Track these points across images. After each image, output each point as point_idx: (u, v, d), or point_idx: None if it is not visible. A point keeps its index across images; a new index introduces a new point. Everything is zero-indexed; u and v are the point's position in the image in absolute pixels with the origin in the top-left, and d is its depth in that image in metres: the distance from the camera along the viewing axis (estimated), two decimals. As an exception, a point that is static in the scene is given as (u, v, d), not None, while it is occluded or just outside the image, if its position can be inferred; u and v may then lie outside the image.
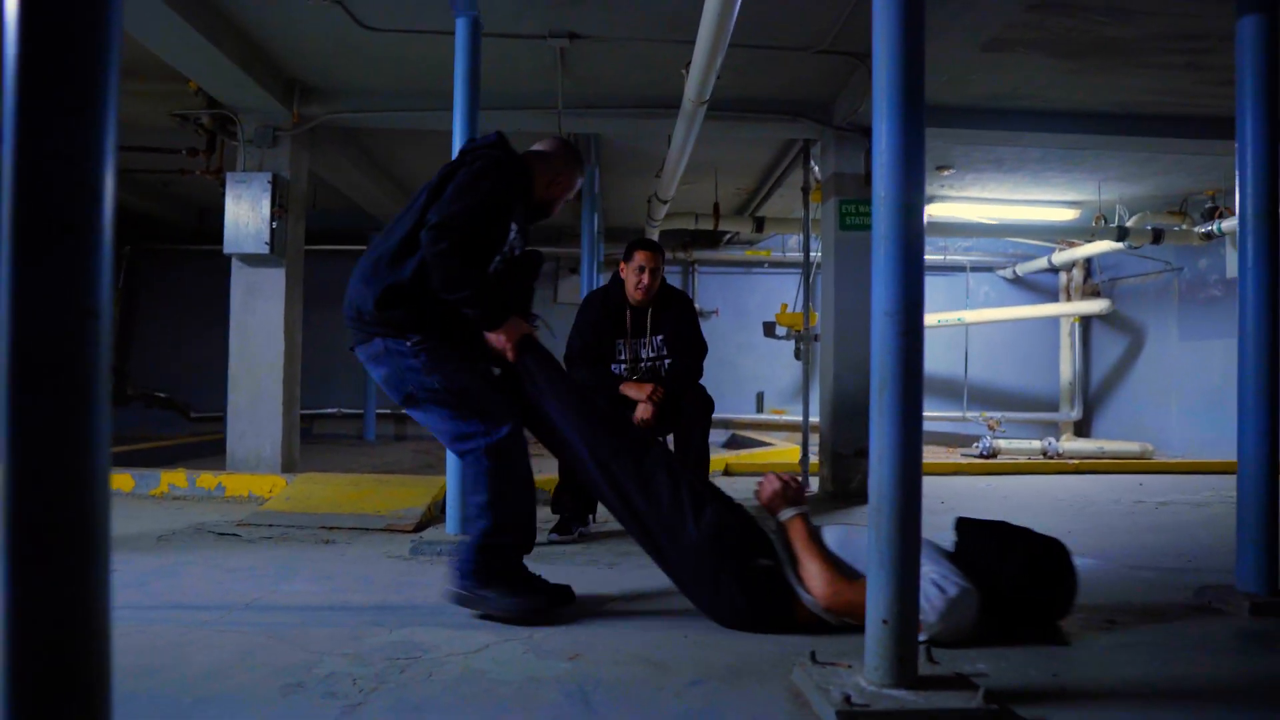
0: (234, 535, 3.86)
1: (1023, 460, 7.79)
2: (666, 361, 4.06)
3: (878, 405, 1.93)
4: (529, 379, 2.65)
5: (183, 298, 10.01)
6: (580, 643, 2.28)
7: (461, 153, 2.83)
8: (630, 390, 3.93)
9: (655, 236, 8.20)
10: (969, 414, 9.89)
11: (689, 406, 3.92)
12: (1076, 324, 10.20)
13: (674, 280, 10.56)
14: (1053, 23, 4.32)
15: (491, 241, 2.64)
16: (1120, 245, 7.96)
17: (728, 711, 1.84)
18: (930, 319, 9.31)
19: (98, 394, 1.00)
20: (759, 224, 8.10)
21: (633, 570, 3.17)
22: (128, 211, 8.90)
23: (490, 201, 2.58)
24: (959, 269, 10.30)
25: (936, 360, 10.08)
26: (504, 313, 2.61)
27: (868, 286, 2.13)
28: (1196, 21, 4.19)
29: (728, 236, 9.80)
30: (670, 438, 4.03)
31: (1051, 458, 8.00)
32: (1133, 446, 8.44)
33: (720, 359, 10.09)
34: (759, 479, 2.63)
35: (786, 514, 2.49)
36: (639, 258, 3.98)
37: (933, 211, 8.33)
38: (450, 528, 3.64)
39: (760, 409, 10.35)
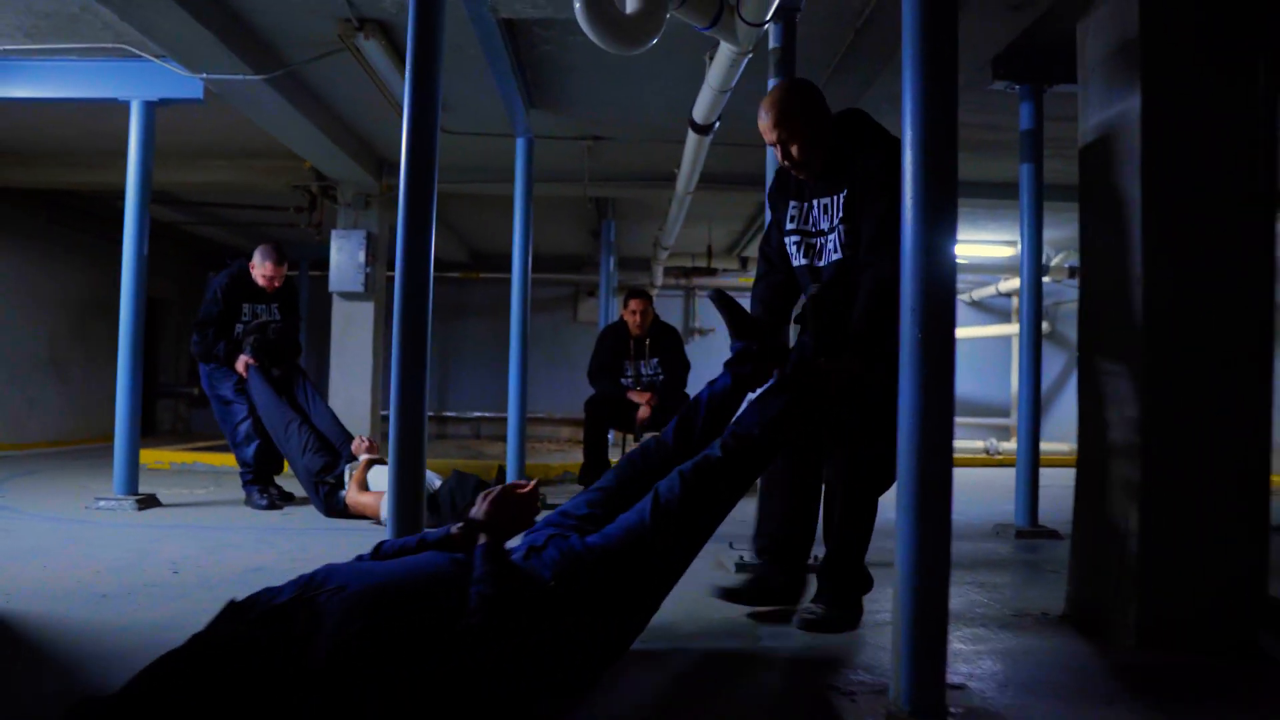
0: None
1: (965, 456, 9.40)
2: (660, 377, 5.72)
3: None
4: (249, 388, 5.01)
5: (258, 315, 11.73)
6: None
7: None
8: (634, 396, 5.60)
9: (660, 270, 9.87)
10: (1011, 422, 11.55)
11: (678, 409, 5.58)
12: (1026, 342, 11.80)
13: (677, 302, 12.24)
14: (943, 133, 5.94)
15: (225, 322, 5.10)
16: (1046, 279, 9.58)
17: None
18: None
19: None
20: (743, 263, 9.77)
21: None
22: (216, 244, 10.67)
23: (211, 303, 5.11)
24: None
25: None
26: (233, 356, 5.02)
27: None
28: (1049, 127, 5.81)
29: (721, 268, 11.50)
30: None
31: (993, 455, 9.62)
32: (1062, 446, 10.01)
33: (718, 368, 11.73)
34: None
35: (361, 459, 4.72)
36: (633, 304, 5.68)
37: (892, 249, 9.95)
38: (511, 491, 5.29)
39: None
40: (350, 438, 4.98)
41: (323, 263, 10.28)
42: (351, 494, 4.60)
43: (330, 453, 4.86)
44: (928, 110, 1.86)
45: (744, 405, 2.54)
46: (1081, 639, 2.53)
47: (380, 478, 4.54)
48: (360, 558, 1.85)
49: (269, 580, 1.69)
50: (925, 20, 1.87)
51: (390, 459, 2.60)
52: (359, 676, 1.42)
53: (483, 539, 1.82)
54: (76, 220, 9.10)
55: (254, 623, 1.49)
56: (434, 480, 4.46)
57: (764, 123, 2.67)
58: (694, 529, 2.10)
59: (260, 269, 5.16)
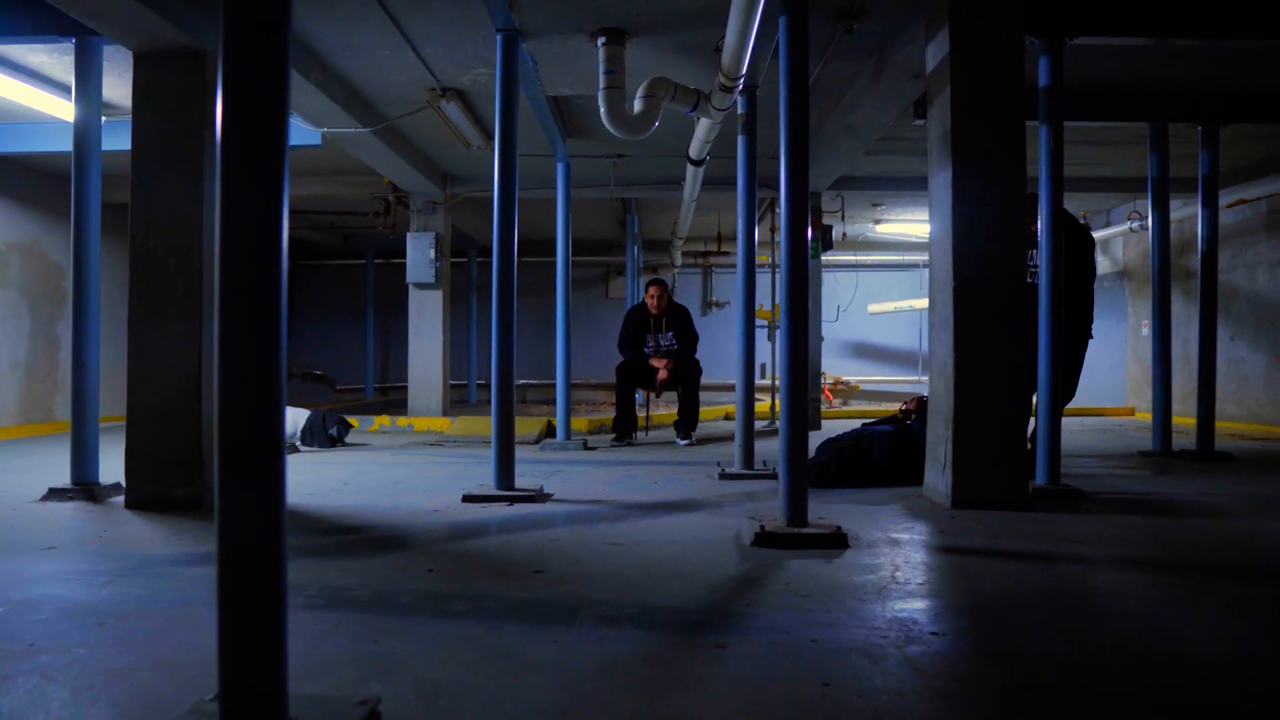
0: (438, 445, 7.16)
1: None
2: (675, 346, 7.28)
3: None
4: None
5: (330, 300, 13.42)
6: (629, 460, 5.52)
7: None
8: (655, 362, 7.18)
9: (679, 253, 11.39)
10: (922, 377, 12.94)
11: (688, 373, 7.15)
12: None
13: (695, 279, 13.76)
14: (895, 151, 7.39)
15: None
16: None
17: (695, 469, 5.05)
18: (888, 306, 12.37)
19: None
20: (750, 245, 11.28)
21: (639, 451, 6.42)
22: (304, 243, 12.36)
23: None
24: (914, 266, 13.32)
25: (900, 336, 13.14)
26: None
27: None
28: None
29: (730, 250, 12.99)
30: (679, 391, 7.28)
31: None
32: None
33: (731, 338, 13.25)
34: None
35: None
36: (651, 290, 7.24)
37: (881, 230, 11.38)
38: (560, 436, 6.88)
39: (763, 375, 13.50)
40: None
41: (388, 252, 11.98)
42: None
43: None
44: (791, 184, 3.36)
45: None
46: (922, 502, 4.08)
47: None
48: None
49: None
50: (791, 108, 3.38)
51: (493, 412, 4.19)
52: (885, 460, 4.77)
53: (911, 419, 5.01)
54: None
55: (849, 438, 4.89)
56: (303, 414, 6.66)
57: None
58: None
59: None
